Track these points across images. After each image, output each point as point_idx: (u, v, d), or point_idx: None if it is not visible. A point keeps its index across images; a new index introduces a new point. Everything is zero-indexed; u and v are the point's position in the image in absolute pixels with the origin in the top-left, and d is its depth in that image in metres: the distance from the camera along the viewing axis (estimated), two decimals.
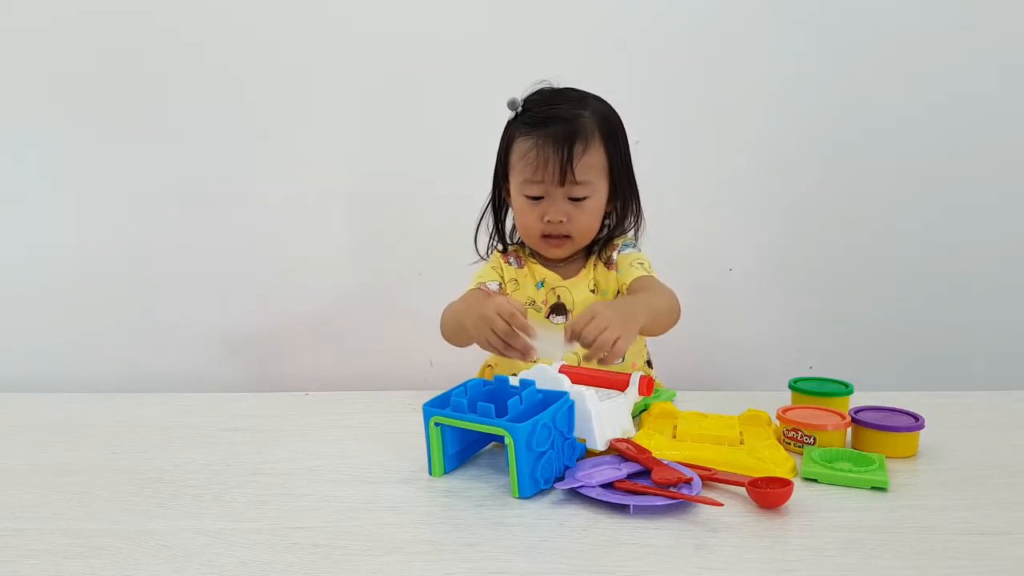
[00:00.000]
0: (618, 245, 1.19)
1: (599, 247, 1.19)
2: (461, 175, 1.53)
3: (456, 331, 1.08)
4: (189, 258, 1.57)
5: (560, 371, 0.89)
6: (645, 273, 1.13)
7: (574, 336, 0.89)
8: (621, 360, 0.96)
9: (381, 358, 1.60)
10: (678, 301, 1.09)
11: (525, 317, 0.92)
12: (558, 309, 1.17)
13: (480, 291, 1.16)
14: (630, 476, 0.78)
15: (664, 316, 1.05)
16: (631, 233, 1.21)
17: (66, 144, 1.52)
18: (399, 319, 1.60)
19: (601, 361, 0.89)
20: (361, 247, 1.60)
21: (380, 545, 0.68)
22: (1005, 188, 1.57)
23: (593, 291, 1.17)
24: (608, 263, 1.18)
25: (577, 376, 0.91)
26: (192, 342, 1.60)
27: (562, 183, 1.08)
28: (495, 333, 0.92)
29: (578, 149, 1.07)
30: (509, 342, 0.92)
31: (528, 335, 0.91)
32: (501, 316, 0.91)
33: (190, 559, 0.66)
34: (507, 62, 1.50)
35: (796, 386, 1.02)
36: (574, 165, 1.07)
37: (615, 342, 0.88)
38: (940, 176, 1.57)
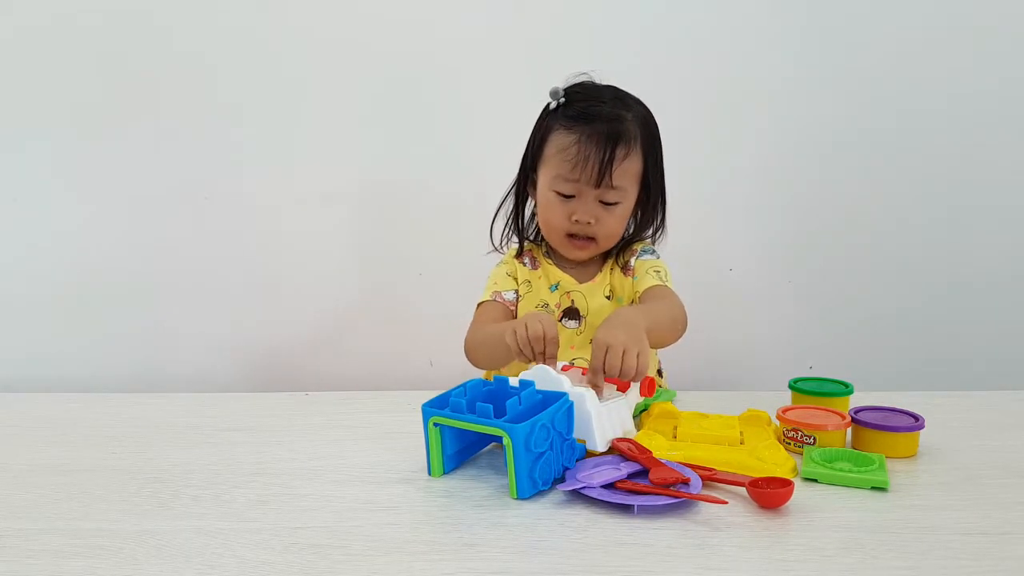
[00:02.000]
0: (637, 250, 1.16)
1: (616, 250, 1.16)
2: (462, 176, 1.54)
3: (492, 351, 1.05)
4: (190, 258, 1.57)
5: (563, 371, 0.89)
6: (659, 283, 1.11)
7: (596, 375, 0.88)
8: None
9: (381, 358, 1.60)
10: (684, 312, 1.06)
11: (556, 345, 0.92)
12: (571, 313, 1.14)
13: (496, 303, 1.14)
14: (630, 476, 0.78)
15: (665, 327, 1.02)
16: (650, 239, 1.18)
17: (67, 144, 1.52)
18: (399, 319, 1.60)
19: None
20: (362, 247, 1.60)
21: (380, 545, 0.68)
22: (1005, 188, 1.57)
23: (609, 297, 1.14)
24: (625, 268, 1.15)
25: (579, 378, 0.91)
26: (192, 342, 1.60)
27: (598, 185, 1.05)
28: (527, 337, 0.92)
29: (620, 153, 1.04)
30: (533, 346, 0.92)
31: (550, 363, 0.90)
32: (532, 335, 0.91)
33: (190, 559, 0.66)
34: (508, 63, 1.50)
35: (796, 386, 1.02)
36: (614, 169, 1.04)
37: (637, 363, 0.87)
38: (940, 176, 1.57)
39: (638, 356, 0.87)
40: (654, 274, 1.12)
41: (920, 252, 1.60)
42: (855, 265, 1.61)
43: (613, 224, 1.09)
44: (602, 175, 1.04)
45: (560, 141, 1.07)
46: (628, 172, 1.06)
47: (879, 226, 1.59)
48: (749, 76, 1.53)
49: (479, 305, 1.16)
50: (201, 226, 1.56)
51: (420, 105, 1.53)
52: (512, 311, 1.16)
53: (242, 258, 1.58)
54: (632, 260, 1.15)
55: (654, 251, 1.17)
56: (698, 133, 1.54)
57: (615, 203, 1.07)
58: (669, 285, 1.12)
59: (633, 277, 1.15)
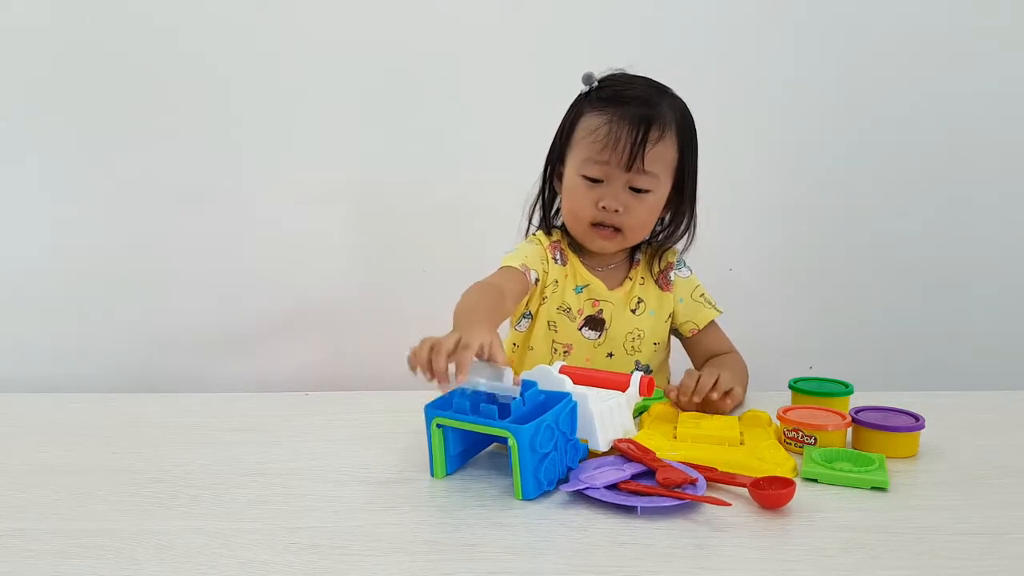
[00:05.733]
0: (673, 263, 1.12)
1: (645, 254, 1.12)
2: (463, 175, 1.54)
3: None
4: (190, 258, 1.57)
5: (560, 372, 0.89)
6: (716, 315, 1.12)
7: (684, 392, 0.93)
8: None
9: (381, 358, 1.59)
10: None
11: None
12: (594, 323, 1.09)
13: (519, 272, 1.05)
14: (634, 477, 0.78)
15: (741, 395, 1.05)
16: (679, 246, 1.14)
17: (65, 145, 1.52)
18: (400, 318, 1.60)
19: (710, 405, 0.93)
20: (362, 246, 1.60)
21: (380, 545, 0.68)
22: (1005, 188, 1.58)
23: (634, 311, 1.10)
24: (664, 282, 1.11)
25: (577, 377, 0.91)
26: (192, 342, 1.60)
27: (629, 168, 1.00)
28: (429, 351, 0.76)
29: (654, 134, 0.99)
30: (432, 364, 0.75)
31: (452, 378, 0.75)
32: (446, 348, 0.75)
33: (190, 559, 0.66)
34: (507, 63, 1.50)
35: (796, 386, 1.02)
36: (646, 151, 0.99)
37: (729, 391, 0.92)
38: (940, 176, 1.57)
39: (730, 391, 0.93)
40: (706, 304, 1.11)
41: (920, 252, 1.60)
42: (855, 265, 1.61)
43: (643, 214, 1.04)
44: (633, 157, 0.99)
45: (590, 123, 1.02)
46: (661, 158, 1.02)
47: (879, 226, 1.59)
48: (749, 77, 1.53)
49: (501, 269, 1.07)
50: (201, 226, 1.56)
51: (420, 105, 1.53)
52: (528, 288, 1.07)
53: (242, 258, 1.58)
54: (671, 275, 1.11)
55: (687, 264, 1.14)
56: (698, 134, 1.53)
57: (646, 191, 1.03)
58: (717, 308, 1.13)
59: (679, 299, 1.11)
